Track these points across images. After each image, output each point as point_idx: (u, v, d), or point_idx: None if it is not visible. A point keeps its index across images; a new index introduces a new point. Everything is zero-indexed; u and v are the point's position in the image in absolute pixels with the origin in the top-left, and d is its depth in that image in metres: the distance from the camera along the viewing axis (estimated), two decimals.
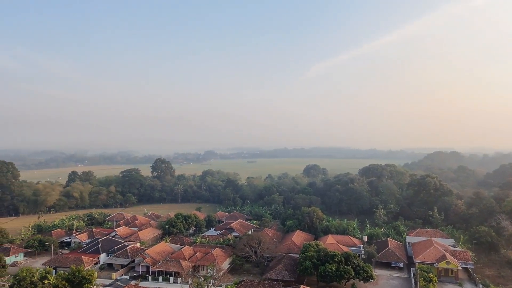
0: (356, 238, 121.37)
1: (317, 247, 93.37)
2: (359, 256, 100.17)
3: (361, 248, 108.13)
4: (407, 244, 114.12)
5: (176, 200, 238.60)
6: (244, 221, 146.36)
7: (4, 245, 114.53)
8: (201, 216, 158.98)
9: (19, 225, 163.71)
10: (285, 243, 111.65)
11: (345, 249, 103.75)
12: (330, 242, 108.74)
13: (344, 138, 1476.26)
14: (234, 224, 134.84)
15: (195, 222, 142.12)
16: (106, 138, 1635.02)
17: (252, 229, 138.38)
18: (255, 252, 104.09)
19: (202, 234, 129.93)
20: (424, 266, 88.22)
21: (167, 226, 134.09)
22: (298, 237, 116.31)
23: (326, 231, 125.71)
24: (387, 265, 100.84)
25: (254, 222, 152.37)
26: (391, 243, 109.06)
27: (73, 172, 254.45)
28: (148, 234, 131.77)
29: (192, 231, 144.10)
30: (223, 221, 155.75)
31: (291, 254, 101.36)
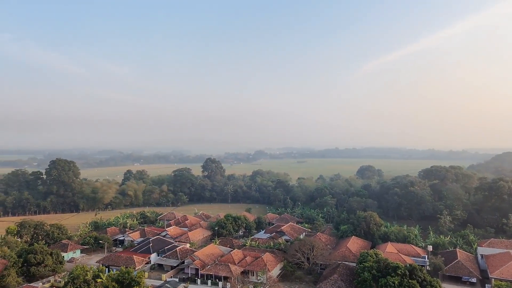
0: (419, 247, 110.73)
1: (377, 256, 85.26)
2: (423, 268, 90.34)
3: (426, 259, 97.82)
4: (479, 256, 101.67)
5: (226, 200, 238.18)
6: (295, 224, 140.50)
7: (63, 241, 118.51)
8: (251, 217, 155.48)
9: (78, 222, 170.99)
10: (339, 250, 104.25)
11: (408, 259, 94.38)
12: (390, 251, 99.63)
13: (399, 138, 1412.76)
14: (285, 227, 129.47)
15: (244, 224, 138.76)
16: (162, 138, 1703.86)
17: (304, 233, 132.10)
18: (308, 259, 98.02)
19: (252, 237, 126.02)
20: (502, 283, 77.13)
21: (216, 228, 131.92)
22: (354, 244, 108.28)
23: (385, 238, 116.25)
24: (456, 280, 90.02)
25: (306, 225, 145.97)
26: (461, 254, 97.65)
27: (128, 171, 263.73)
28: (197, 235, 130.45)
29: (242, 233, 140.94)
30: (273, 224, 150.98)
31: (347, 263, 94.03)
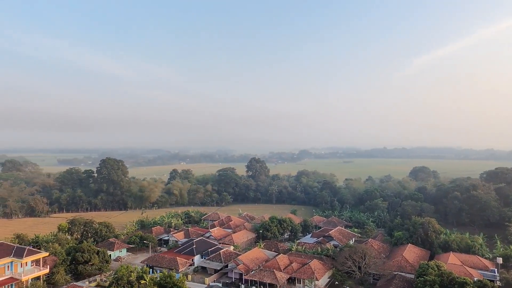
0: (485, 258, 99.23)
1: (439, 269, 76.35)
2: (494, 285, 79.74)
3: (496, 273, 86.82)
4: None
5: (270, 200, 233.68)
6: (343, 229, 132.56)
7: (110, 239, 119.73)
8: (297, 220, 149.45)
9: (125, 219, 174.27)
10: (394, 259, 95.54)
11: (474, 273, 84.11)
12: (453, 263, 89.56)
13: (453, 136, 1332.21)
14: (333, 232, 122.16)
15: (290, 227, 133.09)
16: (207, 137, 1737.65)
17: (353, 239, 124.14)
18: (359, 268, 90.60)
19: (298, 241, 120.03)
20: None
21: (261, 230, 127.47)
22: (411, 253, 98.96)
23: (445, 247, 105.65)
24: None
25: (355, 230, 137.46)
26: None
27: (174, 170, 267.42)
28: (241, 237, 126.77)
29: (287, 236, 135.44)
30: (320, 227, 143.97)
31: (403, 274, 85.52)
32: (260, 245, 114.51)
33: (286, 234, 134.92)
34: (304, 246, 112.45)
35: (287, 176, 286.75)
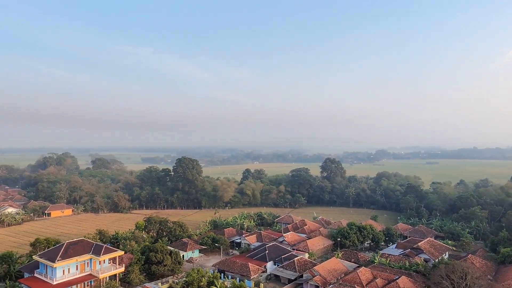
0: None
1: None
2: None
3: None
4: None
5: (347, 203, 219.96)
6: (434, 240, 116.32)
7: (183, 239, 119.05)
8: (378, 227, 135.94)
9: (199, 218, 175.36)
10: (504, 282, 79.54)
11: None
12: None
13: None
14: (422, 244, 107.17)
15: (371, 235, 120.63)
16: (280, 136, 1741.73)
17: (447, 253, 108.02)
18: None
19: (381, 252, 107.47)
20: None
21: (339, 238, 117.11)
22: None
23: None
24: None
25: (449, 242, 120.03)
26: None
27: (247, 170, 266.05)
28: (317, 243, 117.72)
29: (367, 245, 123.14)
30: (406, 236, 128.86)
31: None
32: (338, 254, 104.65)
33: (366, 242, 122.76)
34: (388, 259, 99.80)
35: (365, 178, 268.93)
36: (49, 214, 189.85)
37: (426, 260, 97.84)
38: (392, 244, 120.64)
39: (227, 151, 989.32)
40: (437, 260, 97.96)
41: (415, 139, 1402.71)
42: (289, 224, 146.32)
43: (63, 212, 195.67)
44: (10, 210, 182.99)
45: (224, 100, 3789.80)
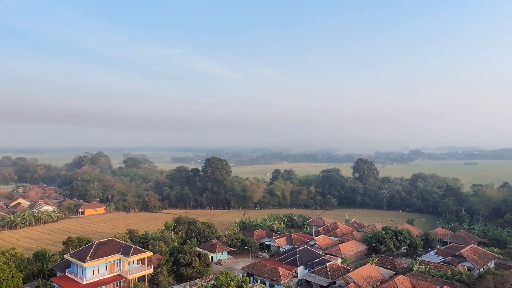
0: None
1: None
2: None
3: None
4: None
5: (380, 206, 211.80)
6: (478, 247, 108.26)
7: (212, 241, 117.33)
8: (415, 231, 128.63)
9: (228, 219, 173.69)
10: None
11: None
12: None
13: None
14: (465, 251, 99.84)
15: (408, 240, 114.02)
16: (309, 136, 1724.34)
17: (493, 261, 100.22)
18: None
19: (420, 259, 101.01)
20: None
21: (374, 243, 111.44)
22: None
23: None
24: None
25: (494, 249, 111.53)
26: None
27: (276, 170, 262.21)
28: (350, 248, 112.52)
29: (404, 251, 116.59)
30: (446, 242, 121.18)
31: None
32: (373, 260, 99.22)
33: (403, 248, 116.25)
34: (428, 266, 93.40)
35: (399, 179, 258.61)
36: (82, 212, 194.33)
37: (469, 269, 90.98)
38: (431, 251, 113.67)
39: (256, 151, 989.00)
40: (483, 269, 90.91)
41: (451, 138, 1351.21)
42: (320, 226, 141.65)
43: (96, 210, 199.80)
44: (47, 207, 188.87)
45: (253, 99, 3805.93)
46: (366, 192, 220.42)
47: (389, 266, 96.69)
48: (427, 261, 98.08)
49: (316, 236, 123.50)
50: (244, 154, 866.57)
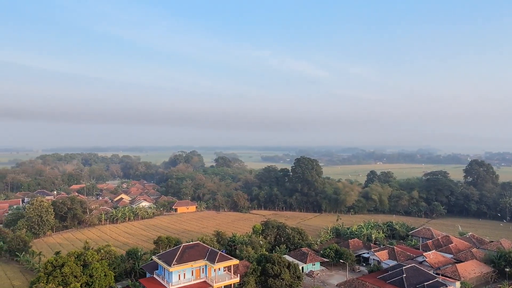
0: None
1: None
2: None
3: None
4: None
5: (501, 217, 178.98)
6: None
7: (303, 249, 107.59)
8: None
9: (320, 224, 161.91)
10: None
11: None
12: None
13: None
14: None
15: None
16: (405, 135, 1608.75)
17: None
18: None
19: None
20: None
21: (503, 264, 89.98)
22: None
23: None
24: None
25: None
26: None
27: (372, 172, 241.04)
28: (471, 269, 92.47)
29: None
30: None
31: None
32: (506, 287, 79.08)
33: None
34: None
35: None
36: (175, 210, 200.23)
37: None
38: None
39: (347, 151, 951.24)
40: None
41: None
42: (428, 239, 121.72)
43: (187, 208, 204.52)
44: (144, 204, 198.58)
45: (343, 97, 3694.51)
46: (483, 200, 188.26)
47: None
48: None
49: (425, 251, 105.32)
50: (335, 154, 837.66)
